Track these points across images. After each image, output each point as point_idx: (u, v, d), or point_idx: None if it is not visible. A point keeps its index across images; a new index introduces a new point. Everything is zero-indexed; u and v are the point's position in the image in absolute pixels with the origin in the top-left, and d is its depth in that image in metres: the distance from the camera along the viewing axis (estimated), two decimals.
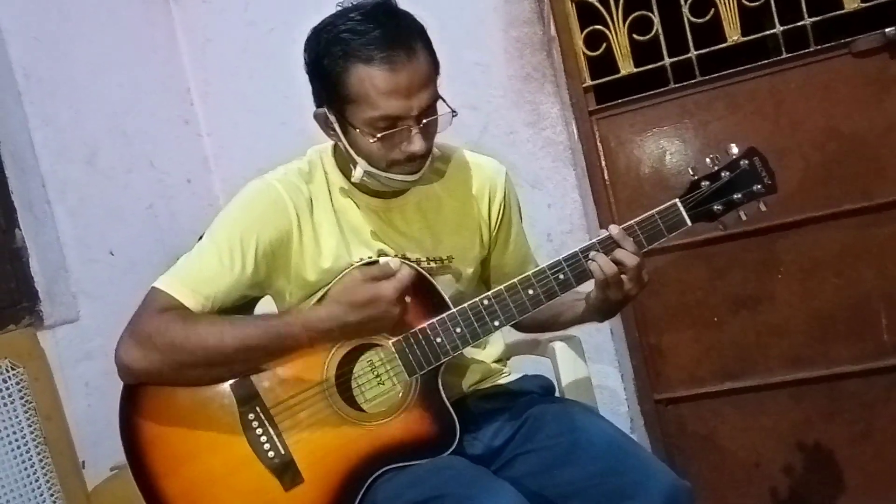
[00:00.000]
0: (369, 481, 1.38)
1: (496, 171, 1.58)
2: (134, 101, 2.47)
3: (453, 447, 1.40)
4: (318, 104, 1.42)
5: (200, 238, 1.48)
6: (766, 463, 2.43)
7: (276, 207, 1.45)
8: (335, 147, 1.50)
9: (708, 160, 1.44)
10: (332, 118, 1.40)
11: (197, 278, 1.41)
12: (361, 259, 1.46)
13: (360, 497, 1.38)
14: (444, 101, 1.40)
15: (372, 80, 1.32)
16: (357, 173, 1.41)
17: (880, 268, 2.30)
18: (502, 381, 1.60)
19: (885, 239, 2.29)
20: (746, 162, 1.42)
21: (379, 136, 1.35)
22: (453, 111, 1.41)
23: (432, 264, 1.51)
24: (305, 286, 1.47)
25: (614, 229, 1.40)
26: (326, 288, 1.41)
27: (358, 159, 1.40)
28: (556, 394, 1.64)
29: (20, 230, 2.05)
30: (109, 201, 2.30)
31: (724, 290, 2.42)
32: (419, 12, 1.45)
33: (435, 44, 1.34)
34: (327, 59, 1.35)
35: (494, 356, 1.62)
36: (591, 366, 1.74)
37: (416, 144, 1.36)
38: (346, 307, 1.33)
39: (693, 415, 2.48)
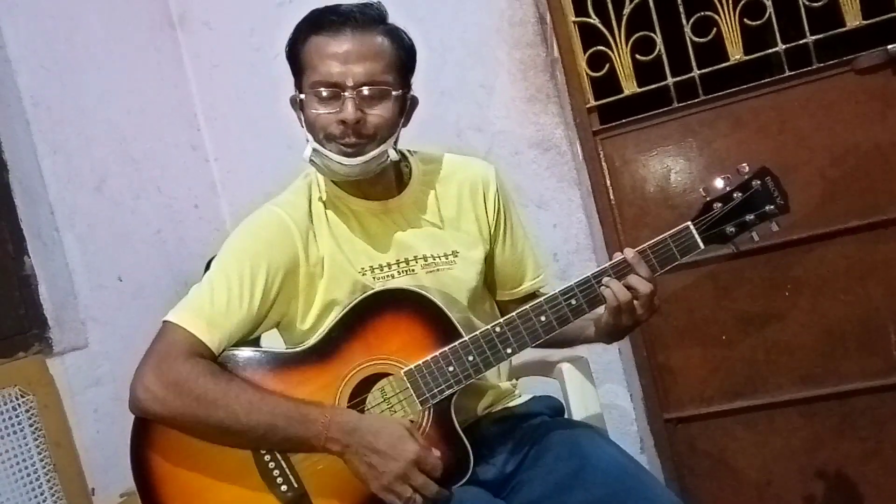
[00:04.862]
0: None
1: (485, 167, 1.60)
2: (141, 127, 2.48)
3: (467, 477, 1.38)
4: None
5: (207, 267, 1.47)
6: (778, 481, 2.42)
7: (281, 233, 1.45)
8: None
9: (720, 181, 1.42)
10: (298, 97, 1.44)
11: (210, 311, 1.39)
12: (363, 269, 1.45)
13: None
14: (396, 92, 1.40)
15: (318, 45, 1.39)
16: (307, 151, 1.43)
17: (888, 284, 2.29)
18: (513, 403, 1.59)
19: (892, 255, 2.28)
20: (759, 182, 1.41)
21: (309, 93, 1.39)
22: (406, 96, 1.43)
23: (439, 260, 1.50)
24: (316, 308, 1.46)
25: (629, 253, 1.39)
26: (341, 313, 1.41)
27: (308, 136, 1.43)
28: (565, 415, 1.63)
29: (29, 257, 2.06)
30: (118, 228, 2.31)
31: (732, 308, 2.41)
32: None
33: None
34: (293, 37, 1.44)
35: (504, 377, 1.61)
36: (599, 385, 1.73)
37: (347, 110, 1.36)
38: (377, 451, 1.31)
39: (703, 434, 2.47)
